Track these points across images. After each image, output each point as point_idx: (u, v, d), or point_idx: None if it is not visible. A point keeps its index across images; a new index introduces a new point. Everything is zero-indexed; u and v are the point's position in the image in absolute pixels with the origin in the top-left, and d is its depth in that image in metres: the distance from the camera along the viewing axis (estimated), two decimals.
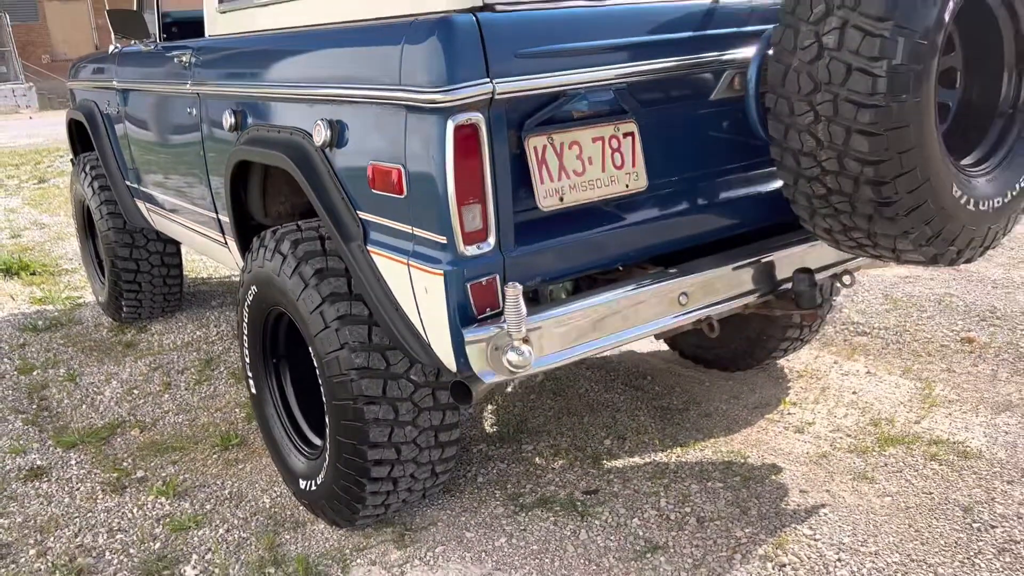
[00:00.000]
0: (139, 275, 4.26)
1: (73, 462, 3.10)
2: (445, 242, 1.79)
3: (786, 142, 1.97)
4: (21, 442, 3.26)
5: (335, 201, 2.08)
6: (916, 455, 2.72)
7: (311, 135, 2.13)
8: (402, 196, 1.87)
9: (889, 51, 1.78)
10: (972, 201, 2.05)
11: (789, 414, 3.07)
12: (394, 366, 2.18)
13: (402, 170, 1.84)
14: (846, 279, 2.55)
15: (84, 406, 3.59)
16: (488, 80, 1.73)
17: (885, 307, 4.04)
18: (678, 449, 2.87)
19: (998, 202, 2.11)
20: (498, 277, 1.83)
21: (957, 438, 2.81)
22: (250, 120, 2.52)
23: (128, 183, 4.00)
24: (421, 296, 1.88)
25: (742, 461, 2.76)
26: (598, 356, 3.72)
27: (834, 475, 2.64)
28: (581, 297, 1.97)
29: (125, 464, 3.05)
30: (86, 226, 4.68)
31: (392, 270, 1.96)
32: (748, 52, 2.08)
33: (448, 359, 1.89)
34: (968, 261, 2.17)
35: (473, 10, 1.74)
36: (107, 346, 4.28)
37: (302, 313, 2.24)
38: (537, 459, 2.85)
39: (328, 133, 2.05)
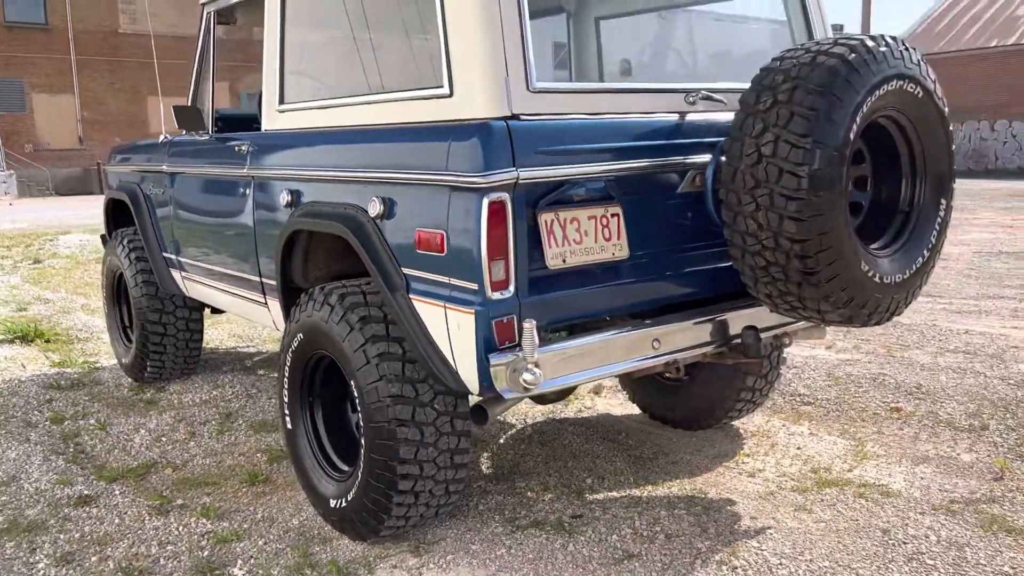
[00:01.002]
0: (166, 338, 4.73)
1: (117, 492, 3.50)
2: (476, 288, 2.35)
3: (735, 225, 2.57)
4: (66, 476, 3.66)
5: (384, 260, 2.64)
6: (847, 494, 3.25)
7: (365, 209, 2.70)
8: (443, 254, 2.43)
9: (809, 159, 2.41)
10: (878, 276, 2.66)
11: (743, 463, 3.59)
12: (422, 396, 2.69)
13: (444, 234, 2.42)
14: (786, 339, 3.13)
15: (117, 450, 4.00)
16: (514, 169, 2.33)
17: (828, 383, 4.63)
18: (649, 486, 3.37)
19: (899, 277, 2.72)
20: (516, 317, 2.38)
21: (882, 482, 3.35)
22: (304, 198, 3.09)
23: (165, 254, 4.52)
24: (454, 331, 2.42)
25: (703, 496, 3.26)
26: (579, 416, 4.24)
27: (779, 507, 3.15)
28: (577, 336, 2.52)
29: (165, 494, 3.47)
30: (115, 295, 5.16)
31: (430, 312, 2.51)
32: (706, 157, 2.71)
33: (473, 381, 2.42)
34: (878, 323, 2.76)
35: (504, 118, 2.36)
36: (130, 402, 4.71)
37: (347, 353, 2.76)
38: (529, 493, 3.33)
39: (381, 207, 2.63)
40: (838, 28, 48.24)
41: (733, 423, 4.02)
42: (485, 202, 2.30)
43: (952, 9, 31.38)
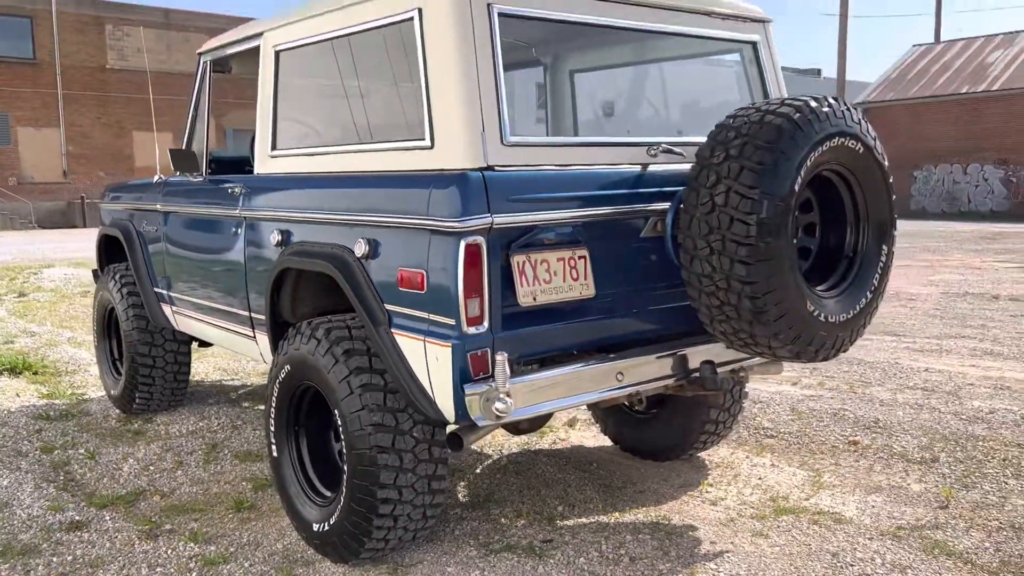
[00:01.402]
0: (154, 370, 4.89)
1: (107, 518, 3.65)
2: (454, 323, 2.55)
3: (692, 268, 2.80)
4: (57, 503, 3.80)
5: (368, 296, 2.84)
6: (802, 520, 3.45)
7: (351, 249, 2.91)
8: (423, 292, 2.64)
9: (758, 208, 2.65)
10: (824, 315, 2.89)
11: (707, 492, 3.79)
12: (402, 424, 2.88)
13: (425, 273, 2.63)
14: (742, 374, 3.35)
15: (106, 478, 4.14)
16: (489, 215, 2.55)
17: (791, 417, 4.85)
18: (616, 513, 3.55)
19: (843, 317, 2.95)
20: (489, 350, 2.58)
21: (835, 510, 3.55)
22: (294, 237, 3.30)
23: (157, 289, 4.70)
24: (432, 363, 2.62)
25: (667, 522, 3.45)
26: (553, 447, 4.43)
27: (737, 532, 3.35)
28: (547, 368, 2.73)
29: (154, 519, 3.61)
30: (105, 328, 5.32)
31: (410, 345, 2.71)
32: (666, 205, 2.95)
33: (449, 410, 2.62)
34: (825, 359, 2.99)
35: (480, 169, 2.59)
36: (118, 433, 4.84)
37: (332, 383, 2.95)
38: (503, 519, 3.51)
39: (367, 248, 2.84)
40: (815, 72, 49.36)
41: (700, 454, 4.22)
42: (462, 245, 2.52)
43: (925, 56, 32.29)
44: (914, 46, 33.62)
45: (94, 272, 5.61)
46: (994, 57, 29.98)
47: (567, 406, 2.77)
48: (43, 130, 29.66)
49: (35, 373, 6.29)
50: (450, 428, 2.83)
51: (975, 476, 3.90)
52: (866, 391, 5.40)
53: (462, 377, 2.55)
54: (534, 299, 2.69)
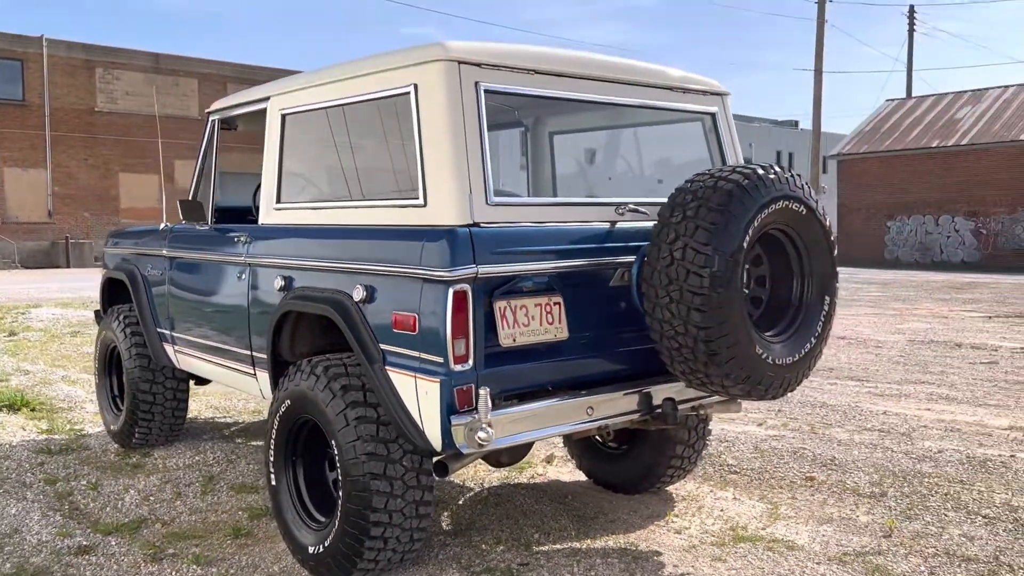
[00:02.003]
0: (154, 406, 5.16)
1: (113, 543, 3.90)
2: (442, 361, 2.88)
3: (654, 314, 3.15)
4: (65, 529, 4.05)
5: (364, 337, 3.17)
6: (758, 547, 3.76)
7: (350, 294, 3.24)
8: (415, 333, 2.97)
9: (710, 263, 3.01)
10: (771, 358, 3.23)
11: (672, 522, 4.10)
12: (392, 454, 3.18)
13: (417, 316, 2.96)
14: (702, 412, 3.68)
15: (109, 508, 4.39)
16: (475, 266, 2.89)
17: (754, 455, 5.18)
18: (588, 540, 3.85)
19: (790, 360, 3.30)
20: (474, 385, 2.91)
21: (789, 538, 3.87)
22: (296, 283, 3.63)
23: (160, 329, 4.99)
24: (422, 397, 2.94)
25: (634, 548, 3.75)
26: (531, 481, 4.72)
27: (698, 557, 3.65)
28: (525, 403, 3.06)
29: (157, 544, 3.87)
30: (106, 366, 5.59)
31: (402, 380, 3.03)
32: (632, 258, 3.31)
33: (436, 439, 2.93)
34: (773, 397, 3.33)
35: (468, 225, 2.94)
36: (118, 466, 5.09)
37: (328, 416, 3.25)
38: (483, 545, 3.80)
39: (364, 293, 3.17)
40: (793, 124, 50.58)
41: (668, 488, 4.53)
42: (451, 292, 2.86)
43: (897, 111, 33.34)
44: (887, 101, 34.72)
45: (96, 313, 5.89)
46: (963, 113, 31.04)
47: (542, 436, 3.10)
48: (30, 171, 29.89)
49: (32, 409, 6.52)
50: (436, 458, 3.13)
51: (918, 509, 4.24)
52: (826, 432, 5.74)
53: (449, 410, 2.88)
54: (514, 340, 3.02)
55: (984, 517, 4.12)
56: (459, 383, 2.89)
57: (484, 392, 2.82)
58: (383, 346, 3.13)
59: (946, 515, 4.15)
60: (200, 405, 6.70)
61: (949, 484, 4.60)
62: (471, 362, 2.91)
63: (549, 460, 5.09)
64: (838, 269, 3.49)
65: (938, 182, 29.86)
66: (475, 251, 2.91)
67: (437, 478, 3.16)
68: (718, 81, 3.96)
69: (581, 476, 4.74)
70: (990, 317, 12.81)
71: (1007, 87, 31.57)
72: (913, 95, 36.41)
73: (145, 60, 32.08)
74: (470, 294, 2.90)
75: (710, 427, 4.38)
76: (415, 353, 3.00)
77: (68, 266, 28.88)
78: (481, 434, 2.81)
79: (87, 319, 12.33)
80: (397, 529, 3.24)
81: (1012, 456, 5.12)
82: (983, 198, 28.82)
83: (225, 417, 6.37)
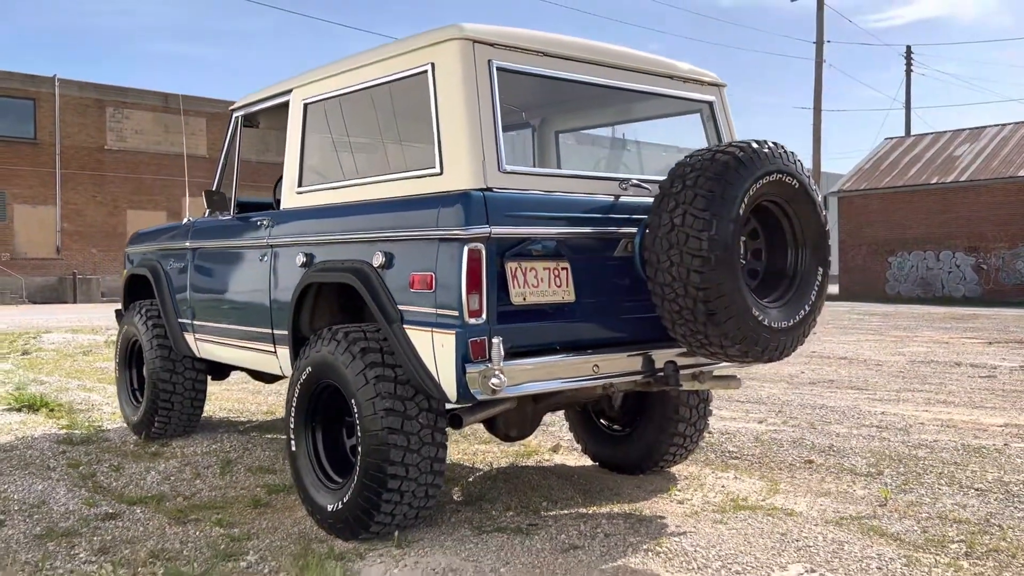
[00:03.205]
0: (174, 396, 5.35)
1: (138, 511, 4.06)
2: (457, 315, 3.08)
3: (656, 278, 3.36)
4: (91, 500, 4.21)
5: (383, 299, 3.37)
6: (758, 514, 3.91)
7: (369, 262, 3.45)
8: (431, 290, 3.18)
9: (708, 227, 3.22)
10: (768, 321, 3.43)
11: (675, 495, 4.25)
12: (409, 411, 3.37)
13: (434, 275, 3.17)
14: (701, 377, 3.86)
15: (132, 485, 4.55)
16: (488, 226, 3.11)
17: (755, 444, 5.33)
18: (594, 507, 4.01)
19: (785, 324, 3.50)
20: (487, 337, 3.10)
21: (788, 507, 4.02)
22: (318, 258, 3.84)
23: (181, 319, 5.19)
24: (439, 349, 3.13)
25: (639, 514, 3.91)
26: (539, 464, 4.88)
27: (700, 521, 3.80)
28: (534, 356, 3.25)
29: (180, 511, 4.03)
30: (127, 360, 5.79)
31: (419, 336, 3.23)
32: (635, 229, 3.52)
33: (451, 389, 3.12)
34: (770, 360, 3.52)
35: (482, 190, 3.16)
36: (137, 454, 5.26)
37: (348, 377, 3.44)
38: (493, 511, 3.95)
39: (383, 259, 3.38)
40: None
41: (671, 469, 4.68)
42: (465, 249, 3.07)
43: (896, 148, 33.76)
44: (886, 139, 35.17)
45: (117, 312, 6.11)
46: (961, 150, 31.44)
47: (550, 388, 3.29)
48: (39, 207, 30.32)
49: (51, 410, 6.70)
50: (451, 407, 3.31)
51: (913, 484, 4.39)
52: (825, 427, 5.89)
53: (464, 360, 3.07)
54: (524, 299, 3.23)
55: (976, 490, 4.27)
56: (473, 335, 3.09)
57: (497, 341, 3.02)
58: (401, 307, 3.33)
59: (940, 489, 4.30)
60: (213, 407, 6.86)
61: (944, 465, 4.75)
62: (484, 316, 3.11)
63: (555, 449, 5.25)
64: (830, 243, 3.69)
65: (938, 218, 30.14)
66: (488, 213, 3.13)
67: (452, 430, 3.32)
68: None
69: (587, 461, 4.90)
70: (991, 343, 12.94)
71: (1005, 125, 32.02)
72: (912, 133, 36.89)
73: (155, 100, 32.71)
74: (484, 252, 3.11)
75: (711, 408, 4.55)
76: (431, 310, 3.20)
77: (75, 301, 29.13)
78: (494, 380, 3.00)
79: (97, 342, 12.53)
80: (413, 483, 3.40)
81: (1006, 445, 5.27)
82: (983, 234, 29.07)
83: (239, 416, 6.54)
